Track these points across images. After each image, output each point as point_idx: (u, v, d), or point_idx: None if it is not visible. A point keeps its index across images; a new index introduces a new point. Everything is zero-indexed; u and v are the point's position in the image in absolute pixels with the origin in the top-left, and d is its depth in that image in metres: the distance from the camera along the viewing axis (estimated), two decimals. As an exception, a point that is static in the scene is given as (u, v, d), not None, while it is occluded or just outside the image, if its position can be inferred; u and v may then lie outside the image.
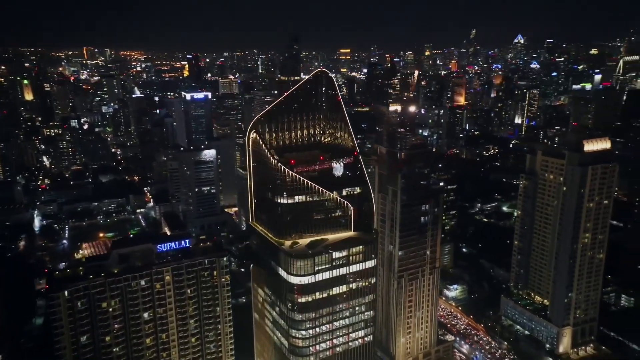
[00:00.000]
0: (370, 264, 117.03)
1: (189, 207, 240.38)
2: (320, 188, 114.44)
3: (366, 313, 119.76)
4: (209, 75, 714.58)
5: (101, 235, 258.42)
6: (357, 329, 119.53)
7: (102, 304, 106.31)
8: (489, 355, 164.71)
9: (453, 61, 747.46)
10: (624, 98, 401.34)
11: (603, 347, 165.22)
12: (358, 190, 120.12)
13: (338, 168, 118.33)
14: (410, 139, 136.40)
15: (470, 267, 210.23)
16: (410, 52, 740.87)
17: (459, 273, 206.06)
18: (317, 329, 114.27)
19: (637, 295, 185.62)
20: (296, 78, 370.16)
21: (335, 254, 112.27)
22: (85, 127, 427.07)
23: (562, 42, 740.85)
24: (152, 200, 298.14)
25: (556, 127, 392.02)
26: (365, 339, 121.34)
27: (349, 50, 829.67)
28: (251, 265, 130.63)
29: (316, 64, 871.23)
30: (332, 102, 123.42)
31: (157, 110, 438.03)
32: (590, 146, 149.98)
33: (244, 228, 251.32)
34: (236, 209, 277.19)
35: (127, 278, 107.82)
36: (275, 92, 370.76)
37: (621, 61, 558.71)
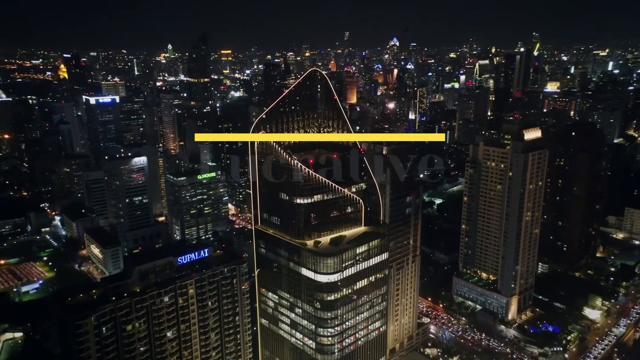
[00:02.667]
0: (385, 256, 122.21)
1: (120, 220, 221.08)
2: (335, 186, 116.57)
3: (382, 304, 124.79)
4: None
5: (2, 262, 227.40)
6: (375, 320, 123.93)
7: (127, 327, 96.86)
8: (451, 330, 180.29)
9: (332, 62, 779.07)
10: (491, 96, 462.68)
11: (537, 309, 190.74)
12: (364, 185, 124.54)
13: (345, 165, 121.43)
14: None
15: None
16: (291, 53, 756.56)
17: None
18: (343, 325, 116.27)
19: (550, 263, 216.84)
20: (205, 80, 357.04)
21: (358, 250, 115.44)
22: None
23: (425, 46, 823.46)
24: (58, 217, 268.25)
25: (443, 122, 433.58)
26: (381, 329, 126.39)
27: (229, 52, 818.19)
28: (257, 270, 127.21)
29: (192, 64, 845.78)
30: (329, 100, 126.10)
31: (34, 116, 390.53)
32: (528, 135, 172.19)
33: (178, 237, 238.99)
34: (163, 218, 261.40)
35: (153, 296, 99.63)
36: (185, 94, 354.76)
37: (477, 64, 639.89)
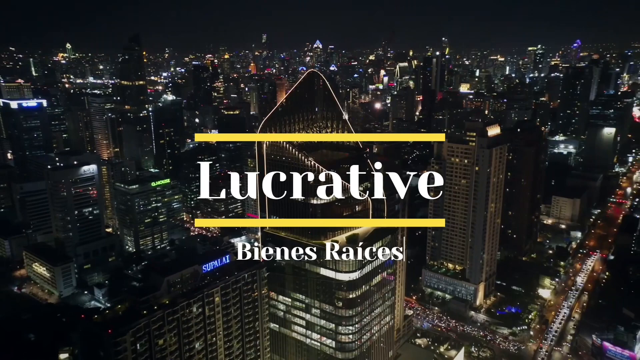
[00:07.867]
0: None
1: (68, 234, 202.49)
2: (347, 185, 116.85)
3: (391, 298, 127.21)
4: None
5: None
6: (386, 315, 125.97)
7: (159, 341, 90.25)
8: (427, 320, 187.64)
9: (251, 64, 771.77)
10: (418, 97, 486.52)
11: (499, 294, 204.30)
12: (368, 184, 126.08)
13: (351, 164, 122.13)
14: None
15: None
16: (210, 55, 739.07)
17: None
18: (362, 322, 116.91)
19: (502, 250, 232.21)
20: (141, 83, 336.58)
21: (375, 246, 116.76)
22: None
23: (341, 49, 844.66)
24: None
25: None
26: (390, 323, 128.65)
27: (144, 53, 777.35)
28: (266, 275, 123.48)
29: (101, 67, 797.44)
30: (328, 101, 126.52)
31: None
32: (491, 132, 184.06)
33: (131, 249, 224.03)
34: (109, 229, 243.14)
35: (183, 307, 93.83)
36: (118, 98, 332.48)
37: (397, 66, 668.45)
